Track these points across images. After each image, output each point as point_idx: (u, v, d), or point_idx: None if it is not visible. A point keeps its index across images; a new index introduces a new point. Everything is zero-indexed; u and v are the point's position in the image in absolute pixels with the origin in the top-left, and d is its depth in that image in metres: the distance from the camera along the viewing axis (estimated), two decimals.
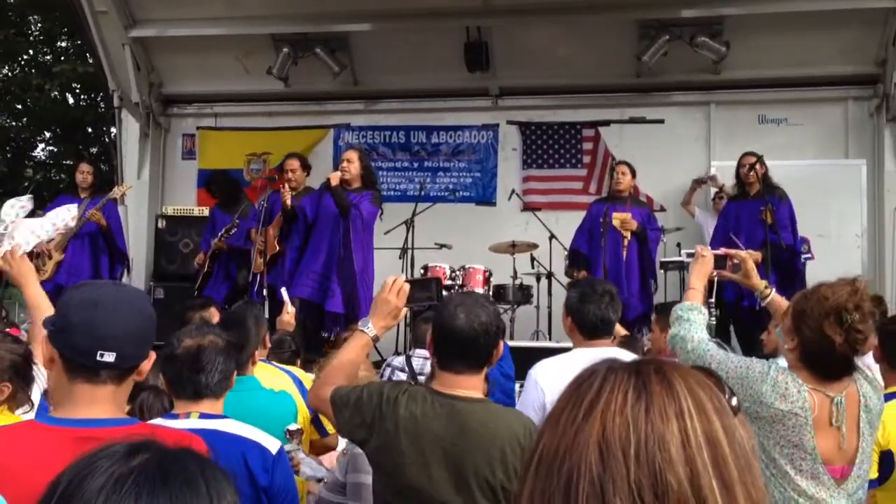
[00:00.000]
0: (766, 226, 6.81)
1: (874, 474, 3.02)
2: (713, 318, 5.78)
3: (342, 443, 3.67)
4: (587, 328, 3.32)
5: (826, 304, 2.45)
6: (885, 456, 3.07)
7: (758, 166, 7.05)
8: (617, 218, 7.35)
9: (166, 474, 0.99)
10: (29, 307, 2.80)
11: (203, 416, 2.52)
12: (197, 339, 2.60)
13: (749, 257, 3.35)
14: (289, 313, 5.10)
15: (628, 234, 7.35)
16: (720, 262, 3.32)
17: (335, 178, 6.88)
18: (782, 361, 2.93)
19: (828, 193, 8.10)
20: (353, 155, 7.25)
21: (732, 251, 3.39)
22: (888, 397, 3.17)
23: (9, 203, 3.08)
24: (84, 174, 7.77)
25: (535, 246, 8.07)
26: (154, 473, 0.98)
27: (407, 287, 2.66)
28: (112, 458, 1.00)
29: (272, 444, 2.59)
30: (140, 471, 0.98)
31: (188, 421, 2.46)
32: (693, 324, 2.86)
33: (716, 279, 3.40)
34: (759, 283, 3.35)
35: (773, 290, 3.34)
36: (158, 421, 2.47)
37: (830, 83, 8.90)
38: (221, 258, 7.86)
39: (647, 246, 7.41)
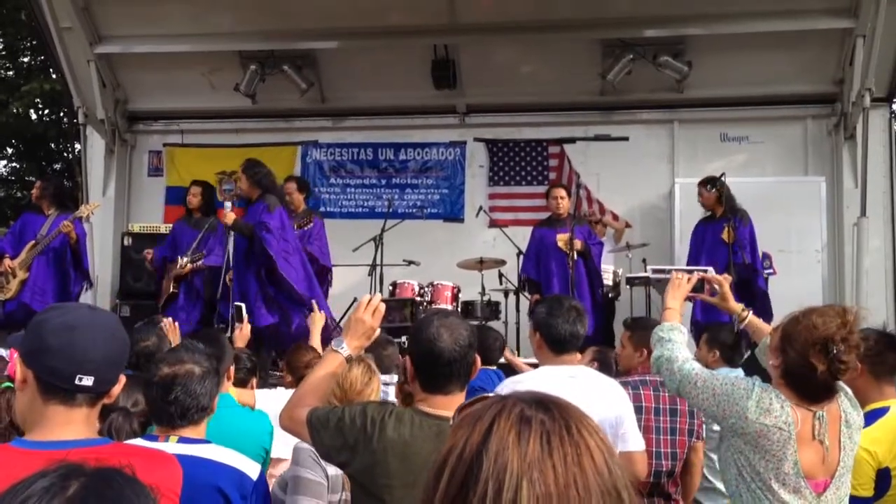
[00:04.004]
0: (726, 245, 7.01)
1: (869, 492, 3.07)
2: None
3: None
4: (556, 343, 3.35)
5: (815, 334, 2.51)
6: (881, 473, 3.12)
7: (708, 190, 7.33)
8: (560, 240, 7.50)
9: (106, 500, 1.00)
10: None
11: (182, 440, 2.48)
12: (174, 368, 2.55)
13: (725, 281, 3.43)
14: (241, 328, 5.02)
15: (573, 254, 7.46)
16: (699, 285, 3.39)
17: (228, 218, 6.60)
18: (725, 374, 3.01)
19: (788, 210, 8.25)
20: (237, 174, 7.10)
21: (709, 275, 3.46)
22: (877, 414, 3.22)
23: None
24: (35, 189, 7.72)
25: (502, 262, 8.13)
26: (95, 499, 1.00)
27: (383, 307, 2.62)
28: (49, 491, 1.01)
29: (252, 470, 2.55)
30: (81, 499, 1.00)
31: (166, 444, 2.42)
32: (676, 344, 2.93)
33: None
34: (735, 306, 3.42)
35: (751, 312, 3.41)
36: (137, 442, 2.45)
37: (790, 102, 9.09)
38: (189, 278, 7.57)
39: (591, 260, 7.63)
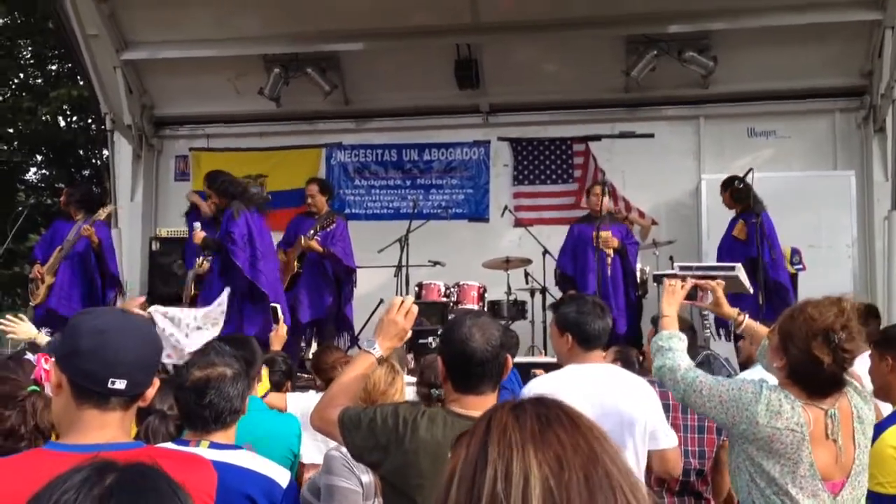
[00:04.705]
0: (740, 242, 7.10)
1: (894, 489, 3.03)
2: (707, 331, 5.84)
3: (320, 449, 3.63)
4: (590, 340, 3.32)
5: (814, 326, 2.47)
6: None
7: (722, 191, 7.46)
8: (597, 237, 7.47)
9: (142, 490, 1.02)
10: None
11: (213, 445, 2.50)
12: (206, 371, 2.57)
13: (719, 287, 3.41)
14: (277, 329, 5.00)
15: (611, 252, 7.46)
16: (692, 292, 3.38)
17: (197, 238, 6.78)
18: (758, 373, 2.96)
19: (817, 205, 8.15)
20: (204, 187, 7.18)
21: (702, 282, 3.44)
22: None
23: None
24: (62, 196, 7.85)
25: (528, 261, 8.11)
26: (131, 490, 1.02)
27: (415, 309, 2.65)
28: (87, 483, 1.03)
29: (282, 477, 2.56)
30: (119, 488, 1.01)
31: (197, 450, 2.44)
32: (676, 352, 2.89)
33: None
34: (730, 311, 3.42)
35: (746, 316, 3.40)
36: (168, 446, 2.47)
37: (818, 95, 8.98)
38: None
39: (627, 260, 7.64)
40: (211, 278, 6.79)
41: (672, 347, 2.91)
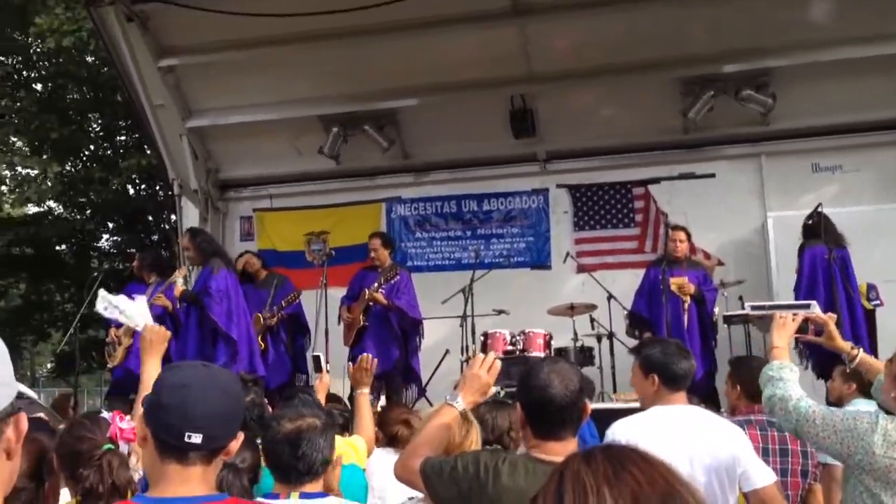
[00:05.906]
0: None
1: None
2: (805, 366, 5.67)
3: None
4: (676, 380, 3.28)
5: None
6: None
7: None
8: (674, 283, 7.36)
9: None
10: (142, 382, 2.92)
11: (303, 495, 2.51)
12: (296, 423, 2.59)
13: (830, 320, 3.33)
14: (321, 377, 4.97)
15: (687, 298, 7.35)
16: (803, 325, 3.30)
17: (177, 292, 7.21)
18: (873, 405, 2.87)
19: (891, 238, 7.92)
20: (184, 241, 7.60)
21: (813, 315, 3.35)
22: None
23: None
24: (135, 262, 8.13)
25: (593, 307, 8.02)
26: None
27: (499, 364, 2.69)
28: None
29: None
30: None
31: (288, 502, 2.46)
32: (787, 382, 2.85)
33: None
34: (844, 345, 3.33)
35: (861, 350, 3.30)
36: (259, 500, 2.49)
37: (884, 127, 8.76)
38: (276, 333, 7.90)
39: (705, 307, 7.47)
40: (187, 328, 7.11)
41: (783, 377, 2.87)
